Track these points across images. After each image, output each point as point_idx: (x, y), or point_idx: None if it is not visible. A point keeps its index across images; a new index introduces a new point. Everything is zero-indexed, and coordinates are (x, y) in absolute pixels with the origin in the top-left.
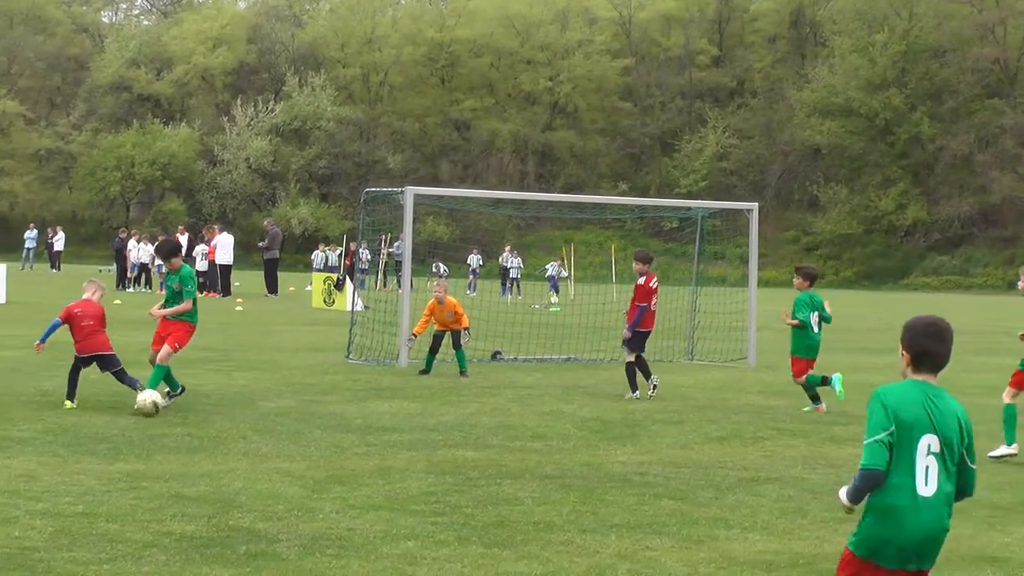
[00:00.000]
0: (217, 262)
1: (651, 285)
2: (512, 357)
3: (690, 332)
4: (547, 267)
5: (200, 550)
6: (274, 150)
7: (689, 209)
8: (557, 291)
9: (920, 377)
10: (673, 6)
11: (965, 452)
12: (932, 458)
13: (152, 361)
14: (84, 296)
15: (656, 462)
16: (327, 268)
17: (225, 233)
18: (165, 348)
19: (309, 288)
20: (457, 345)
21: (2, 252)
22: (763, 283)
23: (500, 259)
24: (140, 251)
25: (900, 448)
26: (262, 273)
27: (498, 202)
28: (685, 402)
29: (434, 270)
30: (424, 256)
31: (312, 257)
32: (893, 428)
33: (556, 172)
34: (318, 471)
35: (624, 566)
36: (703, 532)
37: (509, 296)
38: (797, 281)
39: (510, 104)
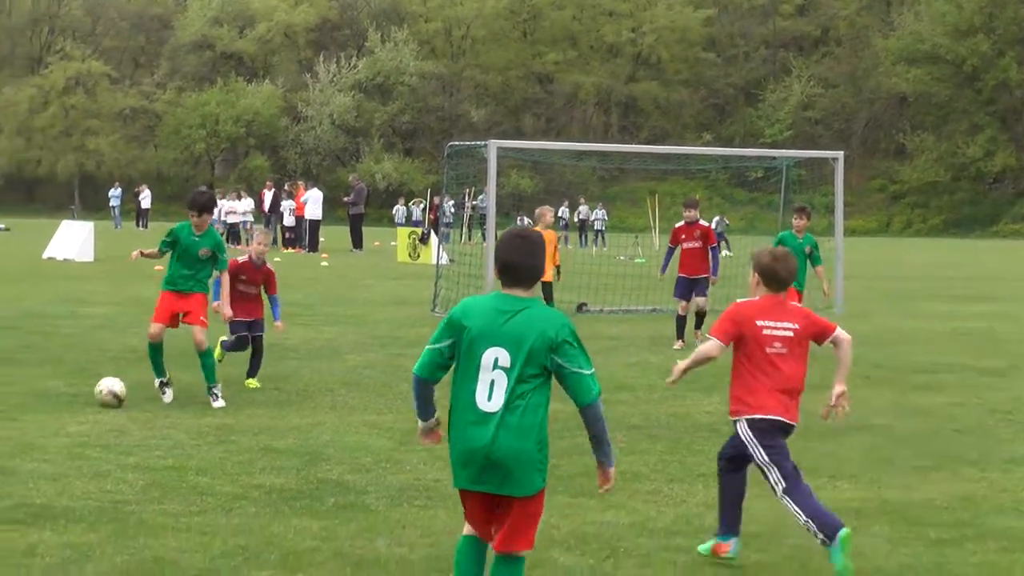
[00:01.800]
0: (306, 217)
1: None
2: (598, 309)
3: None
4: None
5: (289, 502)
6: (357, 106)
7: (774, 159)
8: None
9: (505, 290)
10: None
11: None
12: (499, 372)
13: (155, 340)
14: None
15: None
16: (409, 223)
17: (315, 189)
18: (202, 331)
19: (394, 243)
20: (549, 299)
21: (91, 210)
22: (850, 232)
23: (577, 212)
24: (224, 208)
25: (465, 360)
26: (347, 228)
27: (582, 154)
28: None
29: (519, 222)
30: (508, 209)
31: (393, 212)
32: (451, 340)
33: (640, 124)
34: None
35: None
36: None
37: (593, 248)
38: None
39: (593, 56)
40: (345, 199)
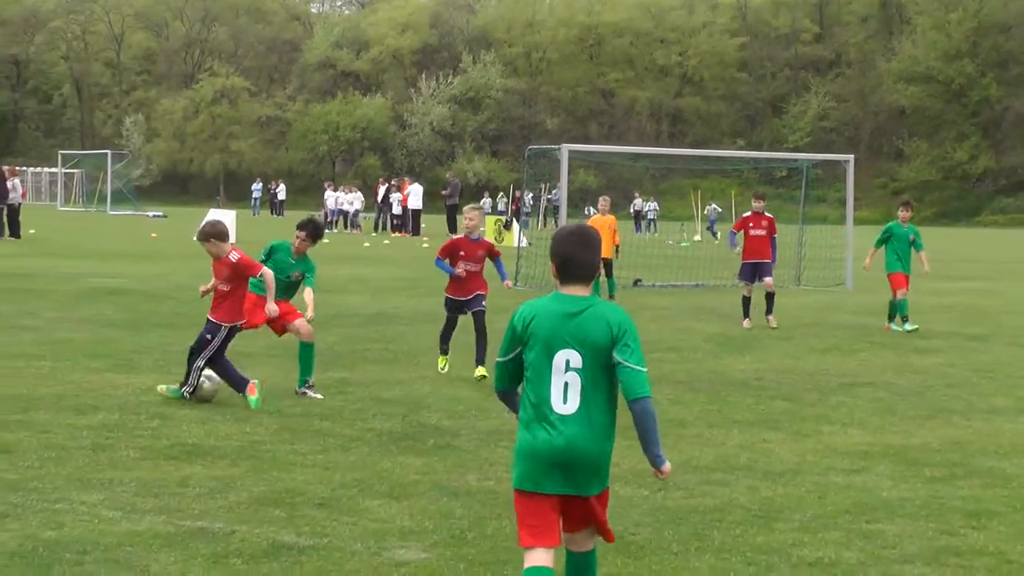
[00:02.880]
0: (410, 207)
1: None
2: (651, 284)
3: (797, 263)
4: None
5: (396, 443)
6: (452, 115)
7: (796, 161)
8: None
9: (563, 289)
10: None
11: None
12: (572, 374)
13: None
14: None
15: (770, 369)
16: (495, 212)
17: (417, 184)
18: (304, 322)
19: (482, 229)
20: (609, 274)
21: (233, 201)
22: (858, 221)
23: (632, 204)
24: (340, 200)
25: (536, 365)
26: (444, 217)
27: (637, 156)
28: (794, 320)
29: (586, 212)
30: (576, 201)
31: (481, 204)
32: (518, 351)
33: (685, 131)
34: (491, 379)
35: (745, 455)
36: (809, 427)
37: (646, 234)
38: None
39: (647, 76)
40: (443, 192)
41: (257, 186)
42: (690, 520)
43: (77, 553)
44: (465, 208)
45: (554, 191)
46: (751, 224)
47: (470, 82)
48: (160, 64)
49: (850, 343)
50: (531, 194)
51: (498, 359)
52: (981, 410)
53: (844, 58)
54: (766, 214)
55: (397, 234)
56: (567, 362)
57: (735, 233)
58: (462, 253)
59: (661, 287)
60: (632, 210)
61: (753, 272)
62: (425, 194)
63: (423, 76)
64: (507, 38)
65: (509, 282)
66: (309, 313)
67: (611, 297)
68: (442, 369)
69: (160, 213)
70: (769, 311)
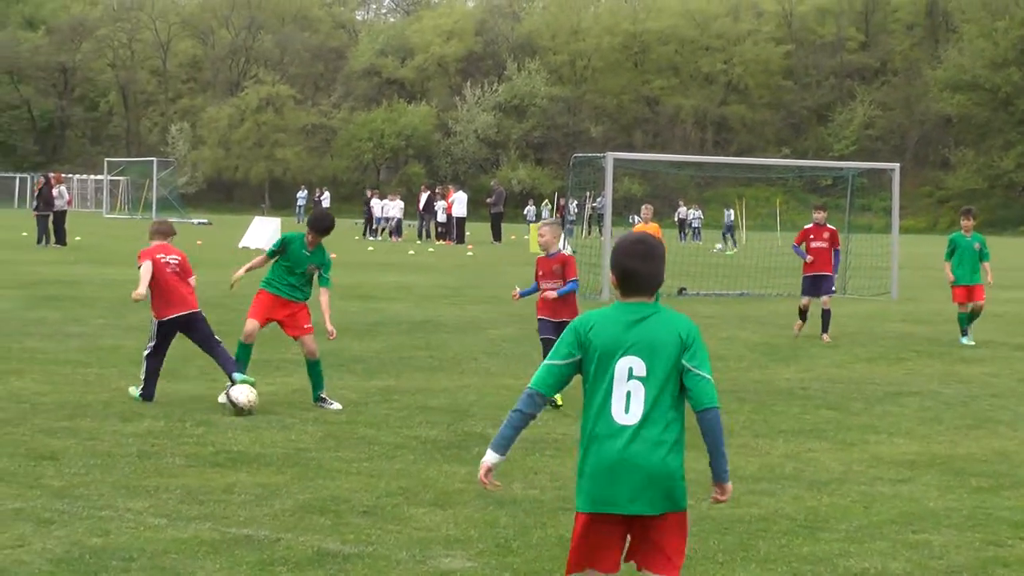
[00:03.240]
0: (454, 215)
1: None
2: (695, 292)
3: (843, 272)
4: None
5: (441, 451)
6: (497, 123)
7: (841, 169)
8: (731, 238)
9: (625, 299)
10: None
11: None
12: (635, 382)
13: (249, 340)
14: None
15: (815, 379)
16: (539, 220)
17: (461, 192)
18: (313, 339)
19: (527, 237)
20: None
21: (278, 208)
22: (903, 230)
23: (676, 213)
24: (384, 207)
25: (597, 375)
26: (488, 224)
27: (682, 164)
28: (839, 329)
29: (630, 221)
30: (620, 209)
31: (524, 212)
32: (579, 356)
33: (730, 139)
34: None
35: (791, 465)
36: (855, 436)
37: (691, 242)
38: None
39: (691, 83)
40: (487, 200)
41: (302, 193)
42: (735, 530)
43: (123, 560)
44: (537, 226)
45: (598, 199)
46: (812, 236)
47: (515, 90)
48: (206, 72)
49: (896, 352)
50: (575, 202)
51: (548, 360)
52: None
53: (890, 66)
54: (828, 226)
55: (441, 242)
56: (630, 370)
57: (798, 246)
58: (540, 272)
59: (706, 296)
60: (676, 218)
61: (813, 286)
62: (470, 202)
63: (468, 84)
64: (552, 46)
65: (552, 293)
66: (328, 327)
67: None
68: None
69: (205, 220)
70: (825, 328)
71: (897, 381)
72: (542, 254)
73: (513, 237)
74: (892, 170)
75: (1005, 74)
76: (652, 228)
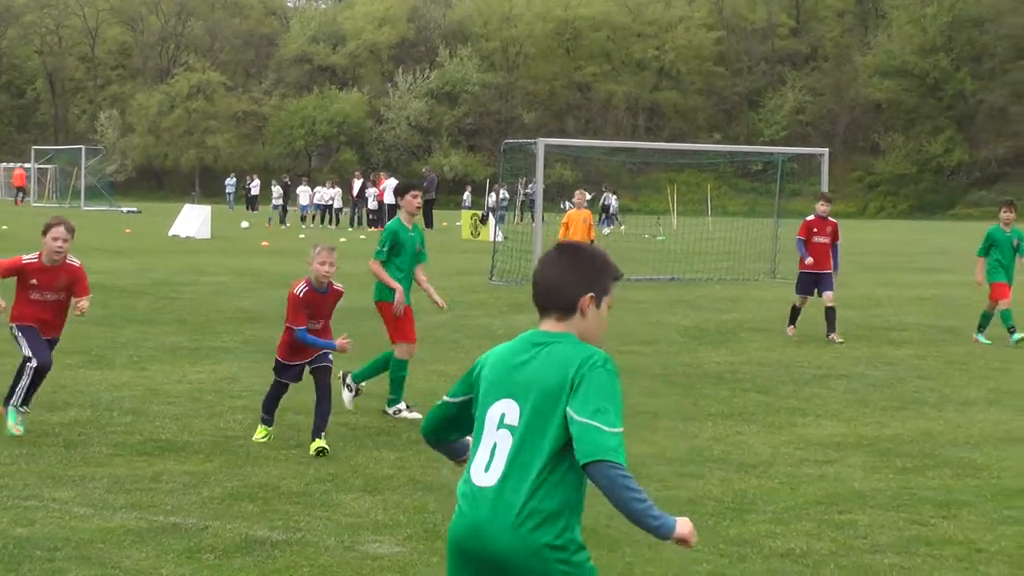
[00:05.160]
0: (385, 202)
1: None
2: (627, 277)
3: (773, 255)
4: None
5: (371, 437)
6: (429, 110)
7: (772, 155)
8: (615, 222)
9: (541, 325)
10: None
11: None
12: (504, 432)
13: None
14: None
15: (745, 362)
16: (473, 206)
17: (393, 178)
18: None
19: (459, 224)
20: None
21: (209, 196)
22: (833, 215)
23: (603, 199)
24: (323, 195)
25: (477, 420)
26: (420, 211)
27: (614, 150)
28: (769, 313)
29: (563, 207)
30: (553, 196)
31: (463, 198)
32: (467, 395)
33: (662, 125)
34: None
35: (718, 447)
36: (783, 419)
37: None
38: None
39: (623, 70)
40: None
41: (231, 181)
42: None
43: (48, 550)
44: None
45: (530, 185)
46: (815, 229)
47: (447, 76)
48: (135, 58)
49: (824, 335)
50: (507, 188)
51: (445, 396)
52: (953, 401)
53: (820, 52)
54: (830, 219)
55: (373, 229)
56: (502, 416)
57: (803, 240)
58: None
59: (637, 280)
60: (602, 204)
61: (813, 284)
62: None
63: (400, 70)
64: (484, 32)
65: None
66: (440, 301)
67: None
68: None
69: (134, 209)
70: (832, 328)
71: (825, 364)
72: (469, 239)
73: (445, 224)
74: (821, 155)
75: (933, 60)
76: (584, 214)
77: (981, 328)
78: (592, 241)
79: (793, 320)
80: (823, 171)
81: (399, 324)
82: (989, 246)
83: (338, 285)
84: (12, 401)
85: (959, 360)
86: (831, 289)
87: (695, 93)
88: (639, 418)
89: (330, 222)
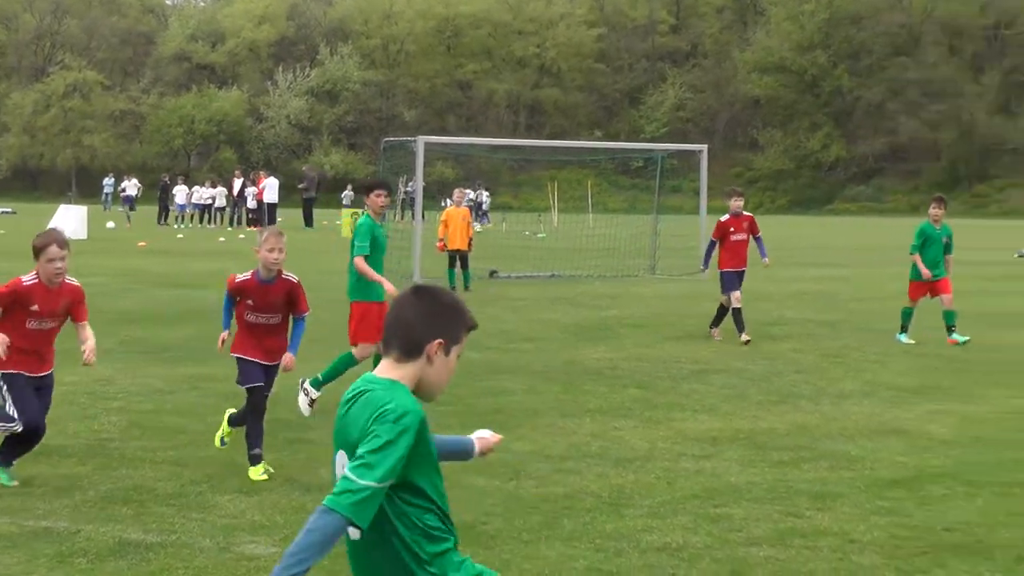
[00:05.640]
0: (264, 201)
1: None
2: (507, 275)
3: (653, 252)
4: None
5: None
6: (310, 108)
7: (652, 151)
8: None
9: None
10: None
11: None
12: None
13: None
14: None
15: (624, 358)
16: (353, 205)
17: (272, 177)
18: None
19: (339, 222)
20: (465, 266)
21: (86, 196)
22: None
23: (478, 195)
24: (202, 194)
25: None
26: (300, 210)
27: (495, 148)
28: (648, 309)
29: (443, 204)
30: (434, 193)
31: (341, 197)
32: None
33: (543, 122)
34: (346, 373)
35: (597, 443)
36: (661, 414)
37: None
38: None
39: (505, 67)
40: (299, 186)
41: (109, 181)
42: (541, 508)
43: None
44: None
45: (410, 184)
46: (732, 228)
47: (327, 74)
48: (9, 57)
49: (703, 330)
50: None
51: None
52: (829, 394)
53: (700, 49)
54: (745, 213)
55: (253, 228)
56: (339, 468)
57: (715, 243)
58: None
59: (517, 278)
60: (476, 201)
61: (739, 280)
62: (281, 187)
63: (280, 69)
64: (364, 30)
65: (291, 357)
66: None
67: (467, 289)
68: None
69: (9, 209)
70: (716, 324)
71: (703, 359)
72: (350, 237)
73: (325, 223)
74: (700, 151)
75: (811, 57)
76: (463, 212)
77: (904, 328)
78: (470, 239)
79: (718, 322)
80: (702, 167)
81: (367, 325)
82: (923, 242)
83: (290, 276)
84: None
85: (835, 354)
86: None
87: (576, 90)
88: (519, 416)
89: (210, 221)
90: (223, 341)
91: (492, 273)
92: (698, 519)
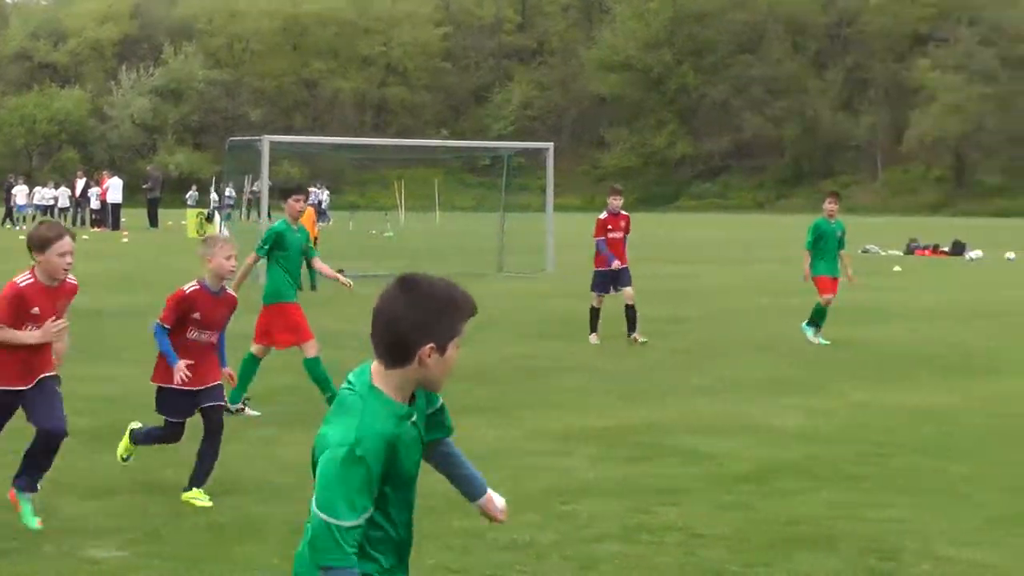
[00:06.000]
0: (108, 201)
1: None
2: (355, 274)
3: (499, 250)
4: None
5: (94, 441)
6: (154, 108)
7: (498, 149)
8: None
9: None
10: None
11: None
12: None
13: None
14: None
15: (474, 356)
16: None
17: (115, 177)
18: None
19: (184, 222)
20: (311, 265)
21: None
22: (562, 209)
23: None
24: (44, 195)
25: None
26: (145, 210)
27: (341, 147)
28: (498, 307)
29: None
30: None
31: (186, 197)
32: None
33: (389, 121)
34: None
35: None
36: (512, 412)
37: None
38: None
39: (351, 66)
40: (144, 185)
41: None
42: None
43: None
44: (194, 212)
45: (256, 183)
46: (610, 226)
47: (171, 74)
48: None
49: (554, 328)
50: (233, 186)
51: None
52: (678, 391)
53: (547, 47)
54: (623, 212)
55: (97, 229)
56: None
57: (603, 241)
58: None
59: (364, 277)
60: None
61: (610, 281)
62: (126, 188)
63: (123, 68)
64: (209, 29)
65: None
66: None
67: (313, 289)
68: None
69: None
70: (633, 327)
71: (555, 356)
72: (195, 238)
73: (170, 223)
74: (547, 149)
75: (657, 55)
76: (308, 212)
77: (817, 328)
78: (315, 238)
79: (594, 325)
80: (548, 165)
81: (296, 325)
82: (816, 239)
83: (231, 290)
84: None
85: (685, 350)
86: (629, 285)
87: (422, 89)
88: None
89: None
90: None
91: (340, 272)
92: (547, 516)
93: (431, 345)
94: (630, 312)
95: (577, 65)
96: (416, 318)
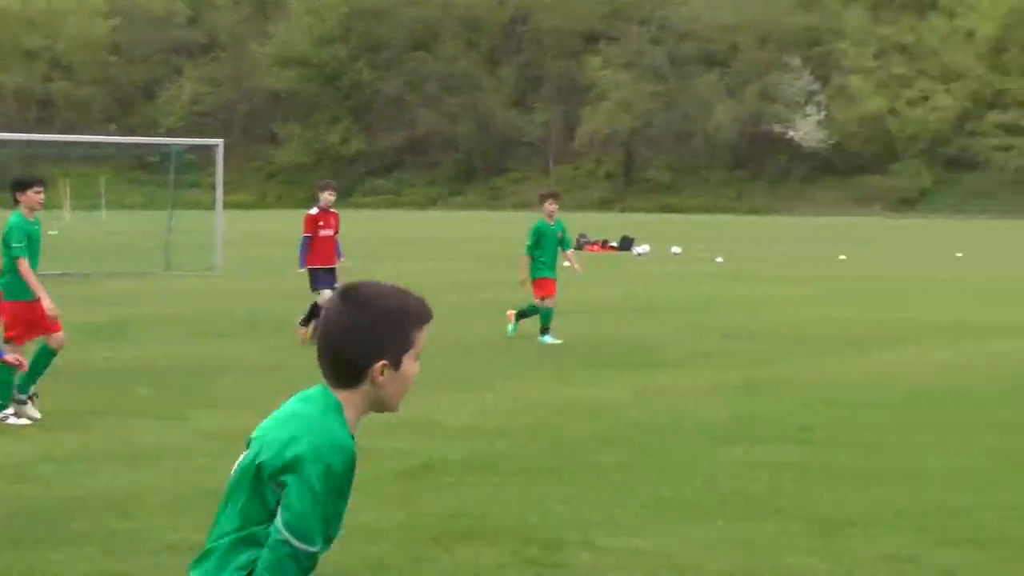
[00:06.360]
0: None
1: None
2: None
3: (166, 247)
4: None
5: None
6: None
7: (168, 146)
8: None
9: None
10: None
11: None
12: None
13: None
14: None
15: (138, 356)
16: None
17: None
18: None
19: None
20: None
21: None
22: (234, 206)
23: None
24: None
25: None
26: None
27: (3, 143)
28: (165, 306)
29: None
30: None
31: None
32: None
33: (54, 116)
34: None
35: (109, 442)
36: (175, 412)
37: None
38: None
39: (13, 60)
40: None
41: None
42: (46, 511)
43: None
44: None
45: None
46: (321, 223)
47: None
48: None
49: (221, 327)
50: None
51: None
52: None
53: (218, 42)
54: (332, 209)
55: None
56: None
57: (308, 239)
58: None
59: None
60: None
61: (331, 277)
62: None
63: None
64: None
65: None
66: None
67: None
68: None
69: None
70: (308, 322)
71: (221, 356)
72: None
73: None
74: (216, 146)
75: (332, 50)
76: None
77: (546, 330)
78: None
79: (310, 319)
80: (217, 162)
81: (21, 324)
82: (536, 241)
83: None
84: None
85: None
86: (336, 284)
87: (89, 83)
88: None
89: None
90: None
91: None
92: (208, 516)
93: (383, 362)
94: (317, 314)
95: (250, 60)
96: (363, 334)
